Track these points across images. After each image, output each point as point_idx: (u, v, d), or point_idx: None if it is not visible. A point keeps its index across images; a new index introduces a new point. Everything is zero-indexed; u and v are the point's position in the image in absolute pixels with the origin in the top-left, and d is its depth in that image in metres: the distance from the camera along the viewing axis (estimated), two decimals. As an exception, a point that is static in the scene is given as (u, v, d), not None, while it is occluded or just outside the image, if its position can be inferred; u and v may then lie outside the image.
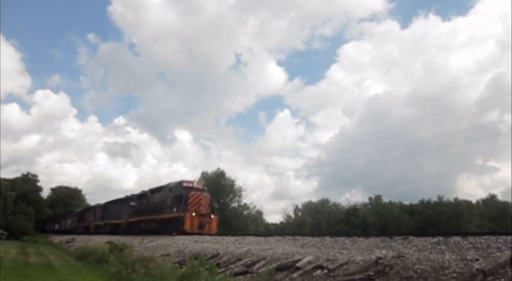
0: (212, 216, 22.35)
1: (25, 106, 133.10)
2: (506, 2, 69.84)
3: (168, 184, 24.40)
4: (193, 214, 20.87)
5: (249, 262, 9.56)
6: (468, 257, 6.15)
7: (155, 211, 24.43)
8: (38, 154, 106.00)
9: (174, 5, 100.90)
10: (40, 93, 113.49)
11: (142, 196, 28.32)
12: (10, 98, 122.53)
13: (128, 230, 27.92)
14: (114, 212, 33.31)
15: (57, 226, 53.41)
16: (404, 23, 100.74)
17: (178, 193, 22.45)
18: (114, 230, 31.04)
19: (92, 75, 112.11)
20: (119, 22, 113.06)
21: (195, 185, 23.24)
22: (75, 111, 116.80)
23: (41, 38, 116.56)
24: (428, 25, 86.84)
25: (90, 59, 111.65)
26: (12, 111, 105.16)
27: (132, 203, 29.19)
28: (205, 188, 24.03)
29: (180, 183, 22.99)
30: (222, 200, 52.19)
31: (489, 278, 5.32)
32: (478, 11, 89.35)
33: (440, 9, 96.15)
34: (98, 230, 35.78)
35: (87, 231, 39.39)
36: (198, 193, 22.21)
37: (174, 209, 21.99)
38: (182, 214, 20.95)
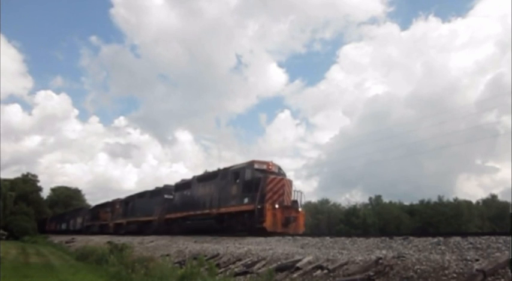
0: (299, 209, 16.09)
1: (27, 107, 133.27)
2: (505, 3, 69.88)
3: (230, 168, 18.10)
4: (276, 205, 15.03)
5: (249, 262, 9.56)
6: (468, 258, 6.15)
7: (209, 204, 18.51)
8: (39, 155, 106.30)
9: (176, 8, 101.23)
10: (42, 94, 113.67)
11: (183, 185, 22.27)
12: (12, 99, 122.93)
13: (165, 229, 22.67)
14: (141, 207, 27.51)
15: (63, 226, 48.80)
16: (404, 25, 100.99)
17: (250, 177, 16.53)
18: (141, 229, 26.13)
19: (93, 76, 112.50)
20: (121, 24, 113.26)
21: (270, 167, 17.05)
22: (76, 112, 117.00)
23: (43, 40, 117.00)
24: (428, 27, 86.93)
25: (92, 60, 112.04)
26: (14, 112, 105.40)
27: (166, 196, 23.98)
28: (283, 171, 17.46)
29: (251, 164, 16.98)
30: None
31: (489, 278, 5.32)
32: (477, 12, 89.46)
33: (440, 10, 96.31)
34: (119, 230, 30.79)
35: (103, 231, 34.10)
36: (280, 177, 16.26)
37: (245, 200, 16.08)
38: (259, 206, 14.97)
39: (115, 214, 32.80)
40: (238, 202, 16.40)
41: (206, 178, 20.25)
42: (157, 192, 25.84)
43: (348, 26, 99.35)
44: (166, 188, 25.04)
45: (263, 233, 14.50)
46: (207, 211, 18.45)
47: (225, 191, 17.49)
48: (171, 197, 23.52)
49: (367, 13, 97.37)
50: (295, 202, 16.06)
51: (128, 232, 28.24)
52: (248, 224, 15.60)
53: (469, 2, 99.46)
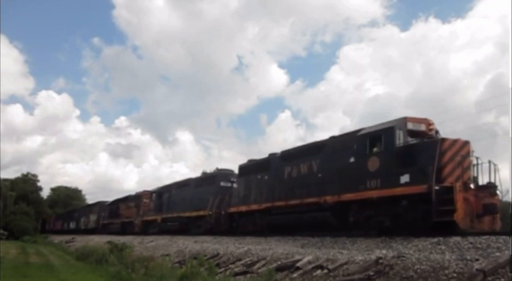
0: (498, 192, 9.95)
1: (28, 107, 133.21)
2: (505, 3, 69.86)
3: (357, 132, 12.05)
4: (471, 185, 9.54)
5: (249, 262, 9.57)
6: (468, 257, 6.15)
7: (315, 190, 12.67)
8: (40, 155, 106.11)
9: (177, 9, 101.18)
10: (43, 95, 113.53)
11: (257, 167, 16.36)
12: (13, 100, 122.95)
13: (228, 227, 17.44)
14: (183, 199, 21.57)
15: (72, 225, 43.60)
16: (404, 26, 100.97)
17: (405, 142, 10.72)
18: (185, 227, 20.53)
19: (95, 77, 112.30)
20: (123, 26, 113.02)
21: (430, 127, 11.22)
22: (78, 112, 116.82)
23: (45, 41, 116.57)
24: (428, 28, 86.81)
25: (94, 62, 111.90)
26: (16, 112, 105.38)
27: (223, 184, 19.05)
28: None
29: (402, 123, 10.90)
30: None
31: (489, 278, 5.32)
32: (477, 13, 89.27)
33: (440, 12, 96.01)
34: (148, 229, 25.26)
35: (126, 230, 28.40)
36: (462, 140, 10.21)
37: (403, 178, 10.09)
38: (437, 187, 9.27)
39: (143, 210, 26.83)
40: (386, 181, 10.44)
41: (302, 152, 14.04)
42: (210, 179, 20.53)
43: (348, 29, 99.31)
44: (222, 173, 20.00)
45: (453, 230, 9.00)
46: (311, 200, 12.65)
47: (352, 168, 11.55)
48: (229, 185, 18.90)
49: (367, 16, 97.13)
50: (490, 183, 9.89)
51: (164, 231, 22.51)
52: (412, 217, 9.87)
53: (468, 3, 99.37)
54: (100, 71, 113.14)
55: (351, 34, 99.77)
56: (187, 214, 20.58)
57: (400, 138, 10.81)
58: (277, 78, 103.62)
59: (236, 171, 18.50)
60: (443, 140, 10.14)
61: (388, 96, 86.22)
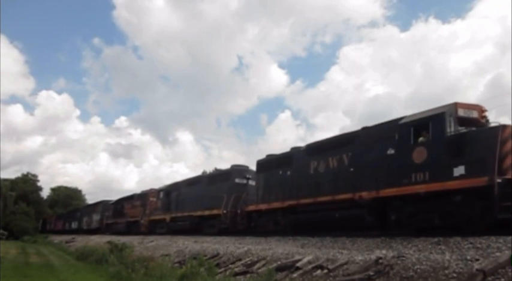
0: None
1: (29, 107, 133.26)
2: (505, 4, 69.83)
3: (400, 119, 10.89)
4: None
5: (249, 262, 9.56)
6: (468, 257, 6.15)
7: (347, 185, 11.63)
8: (40, 155, 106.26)
9: (177, 10, 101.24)
10: (43, 95, 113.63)
11: (278, 162, 15.17)
12: (13, 100, 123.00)
13: (246, 226, 16.60)
14: (194, 198, 20.43)
15: (74, 224, 42.59)
16: (404, 27, 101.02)
17: (456, 131, 9.64)
18: (196, 226, 19.65)
19: (95, 78, 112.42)
20: (123, 26, 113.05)
21: (483, 114, 10.23)
22: (78, 112, 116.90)
23: (45, 42, 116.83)
24: (428, 28, 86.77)
25: (95, 62, 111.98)
26: (16, 112, 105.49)
27: (238, 180, 17.96)
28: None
29: (453, 109, 9.82)
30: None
31: (489, 278, 5.32)
32: (476, 13, 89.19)
33: (440, 12, 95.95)
34: (156, 229, 24.35)
35: (131, 230, 27.59)
36: None
37: (457, 170, 9.03)
38: (499, 180, 8.39)
39: (150, 209, 25.81)
40: (436, 174, 9.34)
41: (330, 144, 12.96)
42: (224, 176, 19.08)
43: (348, 29, 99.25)
44: (237, 170, 18.62)
45: (507, 228, 7.85)
46: (344, 196, 11.56)
47: (392, 160, 10.48)
48: (244, 181, 17.83)
49: (366, 17, 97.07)
50: None
51: (173, 230, 21.61)
52: (467, 214, 8.84)
53: (468, 3, 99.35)
54: (100, 71, 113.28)
55: (351, 34, 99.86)
56: (199, 213, 19.54)
57: (451, 126, 9.69)
58: (277, 78, 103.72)
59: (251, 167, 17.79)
60: (505, 127, 8.95)
61: (388, 96, 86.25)
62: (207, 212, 18.79)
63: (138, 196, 28.80)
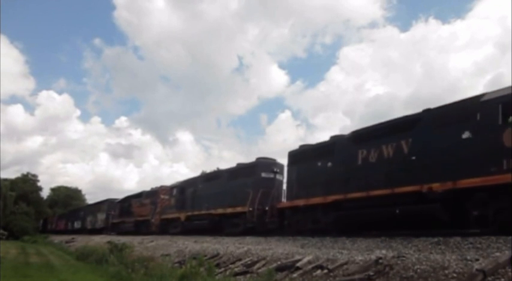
0: None
1: (29, 108, 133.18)
2: (504, 4, 69.83)
3: (480, 97, 9.41)
4: None
5: (249, 262, 9.56)
6: (468, 257, 6.15)
7: (409, 177, 10.24)
8: (40, 155, 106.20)
9: (177, 10, 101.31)
10: (44, 95, 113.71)
11: (316, 152, 13.67)
12: (14, 100, 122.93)
13: (279, 225, 14.92)
14: (212, 194, 18.96)
15: (77, 224, 41.33)
16: (404, 27, 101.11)
17: None
18: (216, 226, 18.18)
19: (96, 78, 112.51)
20: (124, 27, 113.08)
21: None
22: (78, 112, 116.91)
23: (46, 42, 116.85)
24: (428, 29, 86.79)
25: (95, 62, 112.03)
26: (16, 112, 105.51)
27: (264, 175, 16.51)
28: None
29: None
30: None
31: (489, 278, 5.32)
32: (476, 13, 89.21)
33: (440, 12, 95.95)
34: (168, 229, 22.46)
35: (140, 230, 26.00)
36: None
37: None
38: None
39: (161, 207, 24.34)
40: None
41: (384, 130, 11.28)
42: (248, 170, 17.38)
43: (348, 30, 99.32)
44: (263, 163, 17.03)
45: None
46: (409, 189, 10.07)
47: (472, 145, 9.02)
48: (271, 175, 16.48)
49: (366, 17, 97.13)
50: None
51: (188, 230, 19.98)
52: None
53: (468, 4, 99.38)
54: (101, 71, 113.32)
55: (351, 35, 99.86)
56: (219, 211, 17.84)
57: None
58: (277, 78, 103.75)
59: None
60: None
61: (388, 96, 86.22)
62: (229, 210, 17.18)
63: (148, 193, 27.30)
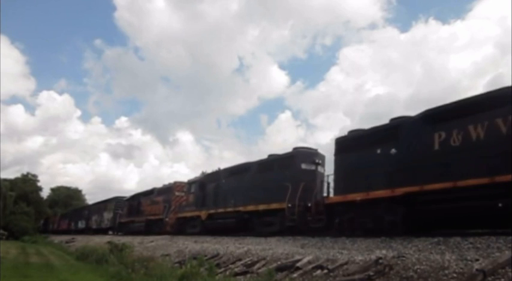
0: None
1: (29, 108, 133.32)
2: (504, 4, 69.84)
3: None
4: None
5: (249, 262, 9.56)
6: (468, 257, 6.15)
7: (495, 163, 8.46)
8: (41, 155, 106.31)
9: (178, 11, 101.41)
10: (44, 95, 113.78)
11: (377, 135, 11.57)
12: (14, 100, 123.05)
13: (327, 226, 12.51)
14: (238, 189, 16.77)
15: (81, 224, 39.55)
16: (404, 28, 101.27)
17: None
18: (245, 224, 16.08)
19: (96, 78, 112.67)
20: (124, 27, 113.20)
21: None
22: (79, 112, 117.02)
23: (46, 43, 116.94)
24: (428, 29, 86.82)
25: (96, 63, 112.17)
26: (17, 112, 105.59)
27: (304, 166, 14.53)
28: None
29: None
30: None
31: (489, 278, 5.32)
32: (476, 14, 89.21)
33: (440, 13, 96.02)
34: (186, 228, 20.26)
35: (152, 229, 23.92)
36: None
37: None
38: None
39: (175, 205, 22.28)
40: None
41: (471, 107, 9.30)
42: (284, 161, 15.10)
43: (348, 31, 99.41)
44: (303, 153, 14.87)
45: None
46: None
47: None
48: (313, 167, 14.46)
49: (366, 19, 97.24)
50: None
51: (211, 230, 17.96)
52: None
53: (468, 4, 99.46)
54: (101, 72, 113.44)
55: (351, 36, 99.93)
56: (250, 208, 15.59)
57: None
58: (277, 79, 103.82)
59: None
60: None
61: (388, 97, 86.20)
62: (262, 207, 14.97)
63: (160, 190, 25.02)
